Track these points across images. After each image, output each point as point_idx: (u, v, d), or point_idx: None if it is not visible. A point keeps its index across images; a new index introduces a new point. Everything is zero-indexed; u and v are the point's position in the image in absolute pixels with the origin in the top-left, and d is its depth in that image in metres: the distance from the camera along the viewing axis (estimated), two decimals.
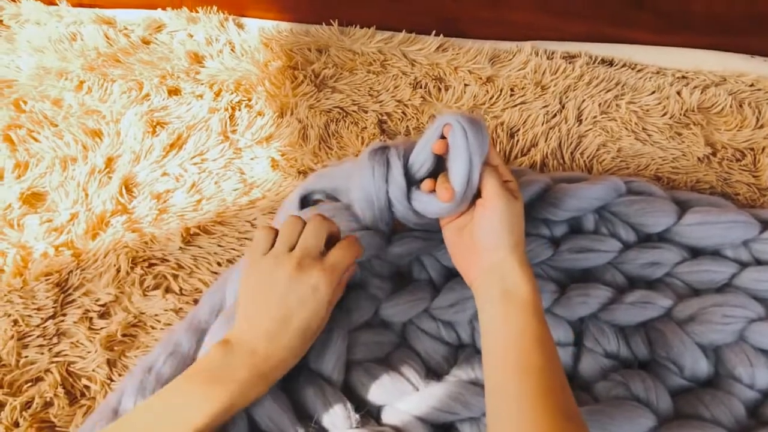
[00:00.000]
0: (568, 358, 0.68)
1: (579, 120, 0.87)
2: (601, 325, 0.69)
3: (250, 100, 0.88)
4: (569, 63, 0.90)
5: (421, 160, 0.61)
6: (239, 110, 0.87)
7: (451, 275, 0.71)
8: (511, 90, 0.89)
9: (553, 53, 0.91)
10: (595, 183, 0.71)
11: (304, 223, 0.57)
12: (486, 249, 0.55)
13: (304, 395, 0.60)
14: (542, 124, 0.86)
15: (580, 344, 0.69)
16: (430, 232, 0.69)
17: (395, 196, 0.63)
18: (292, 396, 0.60)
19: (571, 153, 0.84)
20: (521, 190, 0.69)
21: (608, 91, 0.88)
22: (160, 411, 0.49)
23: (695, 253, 0.72)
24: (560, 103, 0.88)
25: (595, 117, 0.86)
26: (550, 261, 0.71)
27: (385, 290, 0.69)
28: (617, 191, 0.72)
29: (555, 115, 0.87)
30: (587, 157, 0.84)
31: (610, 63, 0.91)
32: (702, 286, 0.70)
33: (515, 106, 0.88)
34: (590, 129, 0.86)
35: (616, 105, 0.87)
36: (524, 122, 0.86)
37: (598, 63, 0.91)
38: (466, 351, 0.68)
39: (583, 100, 0.87)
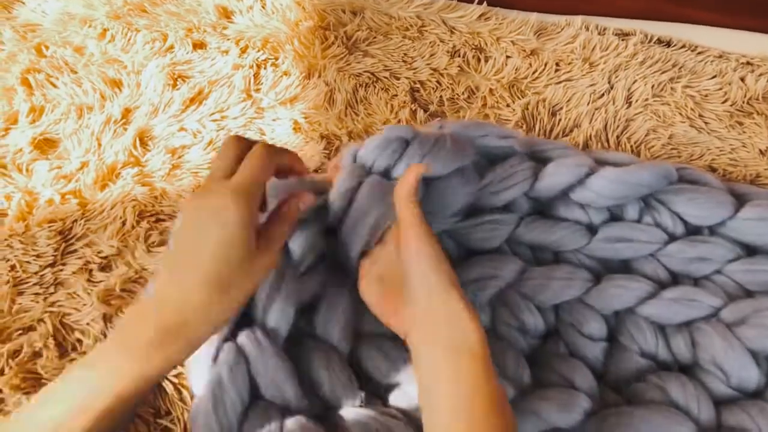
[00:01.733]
0: (598, 354, 0.62)
1: (628, 102, 0.79)
2: (638, 321, 0.62)
3: (276, 59, 0.83)
4: (622, 40, 0.83)
5: None
6: (264, 69, 0.83)
7: (470, 255, 0.66)
8: (557, 65, 0.82)
9: (605, 29, 0.84)
10: (644, 168, 0.64)
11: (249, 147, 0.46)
12: (419, 290, 0.46)
13: (309, 361, 0.55)
14: (588, 104, 0.79)
15: (613, 340, 0.63)
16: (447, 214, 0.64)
17: None
18: (297, 364, 0.55)
19: (617, 137, 0.77)
20: (558, 169, 0.64)
21: (663, 73, 0.81)
22: (67, 392, 0.40)
23: (751, 251, 0.65)
24: (609, 82, 0.81)
25: (646, 99, 0.79)
26: (585, 249, 0.65)
27: None
28: (668, 179, 0.64)
29: (602, 95, 0.80)
30: (635, 143, 0.77)
31: (668, 43, 0.84)
32: (757, 288, 0.63)
33: (560, 82, 0.81)
34: (640, 112, 0.79)
35: (671, 88, 0.80)
36: (568, 100, 0.80)
37: (654, 42, 0.83)
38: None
39: (635, 81, 0.80)
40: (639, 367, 0.60)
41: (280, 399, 0.52)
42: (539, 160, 0.64)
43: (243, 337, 0.53)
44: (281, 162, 0.48)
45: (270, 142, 0.53)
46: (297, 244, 0.56)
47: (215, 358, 0.53)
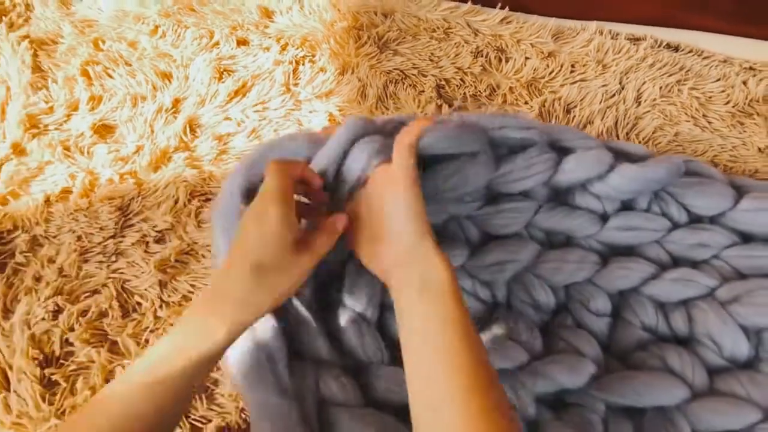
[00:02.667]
0: (603, 328, 0.68)
1: (637, 101, 0.86)
2: (641, 299, 0.69)
3: (314, 56, 0.91)
4: (633, 45, 0.89)
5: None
6: (303, 65, 0.90)
7: (490, 239, 0.72)
8: (572, 66, 0.89)
9: (617, 34, 0.91)
10: (660, 166, 0.67)
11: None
12: (393, 232, 0.51)
13: (339, 326, 0.62)
14: (600, 103, 0.85)
15: (618, 315, 0.69)
16: (468, 200, 0.68)
17: None
18: (331, 329, 0.63)
19: (627, 133, 0.84)
20: (579, 164, 0.67)
21: (671, 75, 0.87)
22: (168, 346, 0.46)
23: (747, 238, 0.71)
24: (620, 83, 0.87)
25: (654, 99, 0.85)
26: (597, 236, 0.71)
27: None
28: (678, 174, 0.69)
29: (614, 95, 0.86)
30: (643, 139, 0.83)
31: (676, 48, 0.90)
32: (750, 272, 0.68)
33: (574, 82, 0.88)
34: (648, 111, 0.85)
35: (678, 90, 0.86)
36: (582, 99, 0.86)
37: (664, 47, 0.90)
38: (499, 310, 0.69)
39: (644, 82, 0.87)
40: (640, 339, 0.67)
41: (314, 354, 0.60)
42: (559, 150, 0.67)
43: None
44: (293, 170, 0.53)
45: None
46: None
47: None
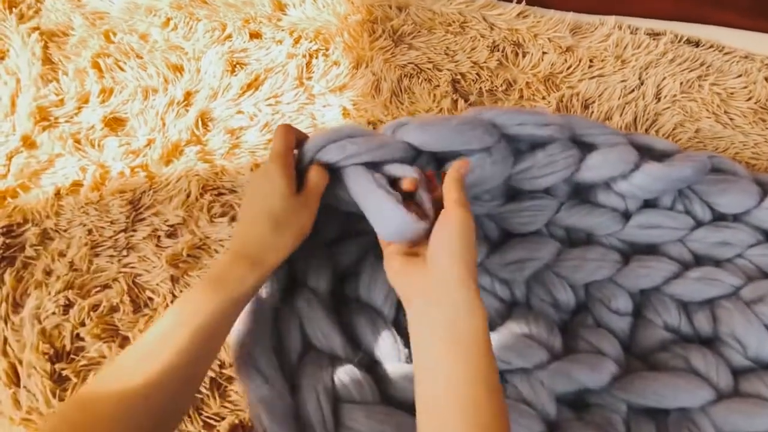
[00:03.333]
0: (625, 327, 0.67)
1: (657, 97, 0.84)
2: (663, 298, 0.67)
3: (327, 49, 0.89)
4: (653, 39, 0.88)
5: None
6: (316, 58, 0.88)
7: (509, 236, 0.71)
8: (590, 61, 0.87)
9: (637, 29, 0.89)
10: (684, 165, 0.66)
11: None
12: (437, 266, 0.48)
13: (355, 323, 0.61)
14: (619, 98, 0.84)
15: (639, 315, 0.68)
16: (486, 198, 0.67)
17: None
18: (344, 322, 0.61)
19: (646, 129, 0.82)
20: (603, 162, 0.65)
21: (691, 71, 0.85)
22: (170, 317, 0.48)
23: None
24: (639, 78, 0.86)
25: (674, 95, 0.84)
26: (618, 233, 0.70)
27: None
28: (704, 172, 0.68)
29: (633, 90, 0.85)
30: (662, 135, 0.82)
31: (696, 43, 0.88)
32: None
33: (593, 77, 0.86)
34: (668, 107, 0.83)
35: (699, 85, 0.84)
36: (600, 95, 0.85)
37: (684, 42, 0.88)
38: (519, 308, 0.67)
39: (664, 78, 0.85)
40: (663, 339, 0.65)
41: (329, 348, 0.59)
42: (582, 145, 0.66)
43: (294, 295, 0.61)
44: (299, 135, 0.60)
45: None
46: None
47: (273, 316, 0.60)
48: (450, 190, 0.52)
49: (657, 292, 0.68)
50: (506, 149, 0.63)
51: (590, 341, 0.63)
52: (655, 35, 0.89)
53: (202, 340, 0.47)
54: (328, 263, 0.63)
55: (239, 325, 0.57)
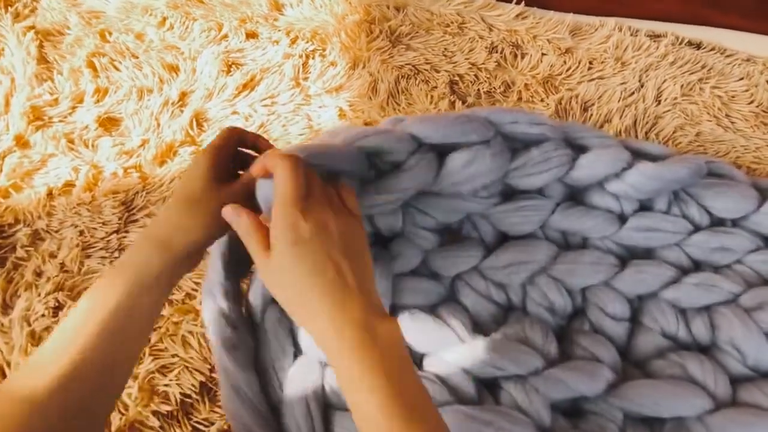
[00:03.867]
0: (622, 333, 0.66)
1: (657, 100, 0.83)
2: (661, 304, 0.66)
3: (324, 50, 0.89)
4: (654, 41, 0.87)
5: None
6: (313, 59, 0.88)
7: (505, 239, 0.70)
8: (590, 63, 0.86)
9: (637, 31, 0.88)
10: (680, 165, 0.65)
11: None
12: (302, 320, 0.46)
13: None
14: (618, 101, 0.83)
15: (636, 321, 0.67)
16: (483, 195, 0.66)
17: None
18: None
19: (646, 133, 0.81)
20: (596, 160, 0.65)
21: (692, 74, 0.84)
22: (79, 308, 0.46)
23: None
24: (639, 81, 0.84)
25: (675, 98, 0.83)
26: (614, 236, 0.69)
27: (431, 241, 0.67)
28: (699, 174, 0.67)
29: (633, 93, 0.84)
30: (663, 138, 0.80)
31: (698, 46, 0.87)
32: None
33: (592, 80, 0.85)
34: (669, 110, 0.82)
35: (700, 88, 0.83)
36: (600, 97, 0.84)
37: (685, 44, 0.87)
38: (515, 313, 0.66)
39: (664, 80, 0.84)
40: (660, 346, 0.64)
41: (319, 353, 0.58)
42: (574, 147, 0.66)
43: None
44: (243, 136, 0.56)
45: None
46: None
47: (263, 316, 0.59)
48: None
49: (654, 298, 0.67)
50: (503, 144, 0.63)
51: (586, 347, 0.62)
52: (655, 37, 0.88)
53: (113, 329, 0.45)
54: None
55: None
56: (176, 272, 0.50)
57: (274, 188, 0.46)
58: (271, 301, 0.60)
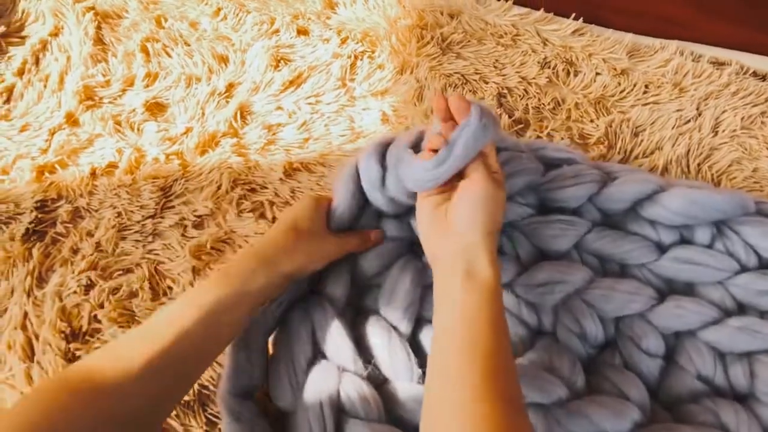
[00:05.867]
0: (654, 370, 0.63)
1: (714, 131, 0.80)
2: (698, 345, 0.63)
3: (373, 52, 0.88)
4: (717, 69, 0.83)
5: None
6: (361, 60, 0.87)
7: (541, 257, 0.68)
8: (646, 87, 0.83)
9: (700, 56, 0.85)
10: (718, 192, 0.64)
11: None
12: (458, 230, 0.51)
13: (369, 336, 0.60)
14: (672, 128, 0.80)
15: (671, 359, 0.64)
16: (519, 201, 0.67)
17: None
18: (358, 333, 0.60)
19: (699, 164, 0.78)
20: (628, 181, 0.65)
21: (755, 106, 0.80)
22: (178, 301, 0.51)
23: None
24: (697, 109, 0.81)
25: (734, 130, 0.79)
26: (653, 266, 0.66)
27: None
28: (743, 208, 0.64)
29: (689, 121, 0.80)
30: (716, 172, 0.77)
31: (763, 77, 0.83)
32: None
33: (646, 104, 0.82)
34: (726, 142, 0.79)
35: (762, 122, 0.79)
36: (653, 123, 0.80)
37: (750, 75, 0.83)
38: (545, 339, 0.64)
39: (724, 111, 0.80)
40: (693, 389, 0.61)
41: (338, 359, 0.57)
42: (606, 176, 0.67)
43: (309, 302, 0.60)
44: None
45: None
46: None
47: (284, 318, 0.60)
48: (474, 166, 0.52)
49: (692, 337, 0.64)
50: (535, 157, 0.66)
51: (615, 383, 0.60)
52: (719, 65, 0.84)
53: (207, 325, 0.49)
54: (348, 271, 0.62)
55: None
56: (273, 291, 0.55)
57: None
58: (295, 302, 0.60)
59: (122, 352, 0.46)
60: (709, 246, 0.66)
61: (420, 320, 0.63)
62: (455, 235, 0.51)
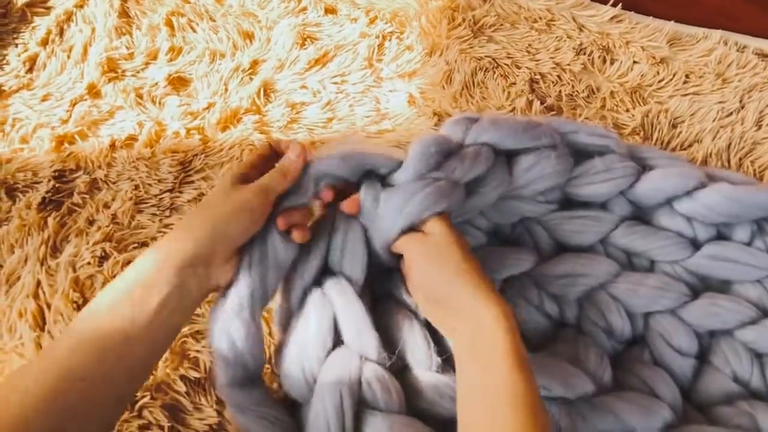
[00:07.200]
0: (687, 370, 0.60)
1: (758, 124, 0.76)
2: (735, 345, 0.60)
3: (402, 33, 0.85)
4: (762, 60, 0.79)
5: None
6: (389, 41, 0.85)
7: (561, 249, 0.65)
8: (686, 76, 0.79)
9: (744, 47, 0.81)
10: (762, 189, 0.60)
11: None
12: (445, 297, 0.49)
13: (390, 323, 0.57)
14: (713, 120, 0.76)
15: (704, 359, 0.61)
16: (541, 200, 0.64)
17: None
18: (381, 323, 0.57)
19: (740, 159, 0.74)
20: (665, 176, 0.61)
21: None
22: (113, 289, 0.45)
23: None
24: (740, 101, 0.77)
25: None
26: (685, 263, 0.63)
27: (481, 241, 0.65)
28: None
29: (731, 114, 0.77)
30: (758, 167, 0.73)
31: None
32: None
33: (686, 94, 0.78)
34: None
35: None
36: (693, 114, 0.77)
37: None
38: (566, 332, 0.61)
39: None
40: (729, 391, 0.58)
41: (361, 348, 0.54)
42: (641, 167, 0.63)
43: (329, 285, 0.55)
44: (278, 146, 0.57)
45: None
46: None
47: (301, 302, 0.56)
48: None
49: (728, 337, 0.60)
50: (567, 149, 0.61)
51: (644, 380, 0.57)
52: (764, 56, 0.80)
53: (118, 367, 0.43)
54: (363, 250, 0.58)
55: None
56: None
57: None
58: (311, 286, 0.57)
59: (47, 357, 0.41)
60: (748, 243, 0.63)
61: None
62: (445, 304, 0.49)
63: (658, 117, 0.77)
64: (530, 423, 0.40)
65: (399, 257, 0.55)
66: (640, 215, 0.65)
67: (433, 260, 0.50)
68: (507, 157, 0.60)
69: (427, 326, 0.57)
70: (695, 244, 0.63)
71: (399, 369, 0.55)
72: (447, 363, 0.56)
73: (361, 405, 0.51)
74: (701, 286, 0.64)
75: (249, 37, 0.86)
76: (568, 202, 0.65)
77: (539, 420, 0.41)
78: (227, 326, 0.50)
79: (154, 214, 0.70)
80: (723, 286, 0.63)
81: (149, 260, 0.46)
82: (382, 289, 0.61)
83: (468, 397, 0.44)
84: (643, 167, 0.63)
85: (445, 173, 0.55)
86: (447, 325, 0.51)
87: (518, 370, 0.42)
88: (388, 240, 0.54)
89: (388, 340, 0.56)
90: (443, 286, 0.49)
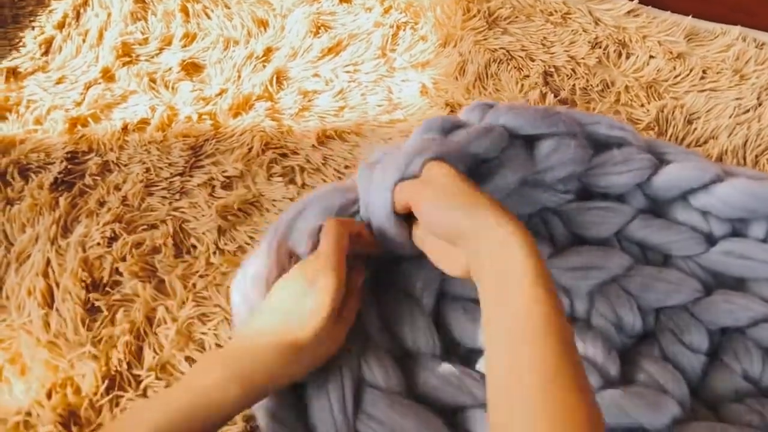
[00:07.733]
0: (697, 367, 0.59)
1: None
2: (746, 343, 0.59)
3: (416, 23, 0.85)
4: None
5: None
6: (403, 30, 0.84)
7: (576, 242, 0.64)
8: (703, 72, 0.79)
9: (763, 44, 0.80)
10: None
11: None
12: (452, 236, 0.45)
13: (391, 310, 0.57)
14: (730, 117, 0.75)
15: (715, 356, 0.60)
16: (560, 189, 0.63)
17: None
18: (384, 312, 0.57)
19: (756, 156, 0.73)
20: (681, 169, 0.61)
21: None
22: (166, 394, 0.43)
23: None
24: (758, 98, 0.76)
25: None
26: (700, 258, 0.62)
27: None
28: None
29: (748, 111, 0.76)
30: None
31: None
32: None
33: (703, 90, 0.78)
34: None
35: None
36: (708, 110, 0.76)
37: None
38: (576, 324, 0.61)
39: None
40: (739, 388, 0.57)
41: (362, 331, 0.54)
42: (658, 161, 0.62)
43: None
44: (352, 230, 0.51)
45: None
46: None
47: None
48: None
49: (740, 335, 0.59)
50: (586, 139, 0.61)
51: (653, 375, 0.56)
52: None
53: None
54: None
55: None
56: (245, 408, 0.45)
57: None
58: None
59: None
60: (764, 240, 0.62)
61: (444, 295, 0.60)
62: (460, 246, 0.45)
63: (673, 112, 0.76)
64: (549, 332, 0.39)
65: (408, 231, 0.53)
66: (656, 209, 0.65)
67: (440, 193, 0.46)
68: (527, 143, 0.59)
69: (431, 316, 0.57)
70: (710, 240, 0.62)
71: (405, 356, 0.55)
72: (450, 353, 0.57)
73: (361, 383, 0.51)
74: (714, 283, 0.63)
75: (263, 24, 0.86)
76: (585, 195, 0.64)
77: (568, 330, 0.40)
78: (247, 294, 0.51)
79: (164, 197, 0.70)
80: (736, 283, 0.63)
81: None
82: (387, 276, 0.61)
83: (492, 312, 0.41)
84: (660, 161, 0.63)
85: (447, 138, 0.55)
86: (467, 250, 0.45)
87: (538, 285, 0.40)
88: (387, 199, 0.51)
89: (392, 327, 0.56)
90: (455, 213, 0.45)
